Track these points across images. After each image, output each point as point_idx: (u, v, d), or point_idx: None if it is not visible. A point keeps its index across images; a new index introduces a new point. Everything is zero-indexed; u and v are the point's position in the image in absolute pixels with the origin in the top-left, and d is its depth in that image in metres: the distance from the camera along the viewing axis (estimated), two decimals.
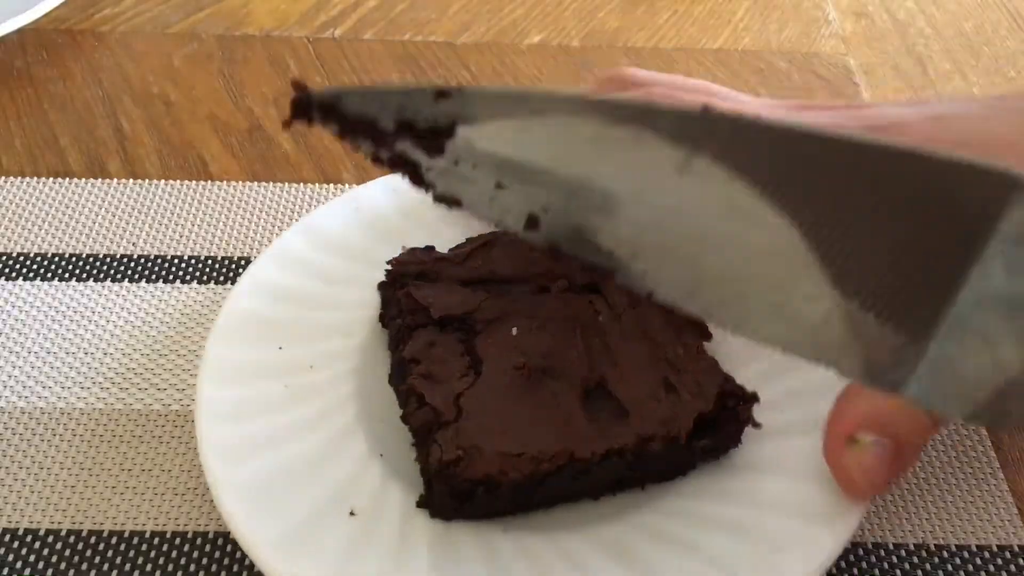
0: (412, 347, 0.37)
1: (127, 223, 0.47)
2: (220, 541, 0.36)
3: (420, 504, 0.35)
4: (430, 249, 0.40)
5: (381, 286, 0.40)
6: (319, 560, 0.32)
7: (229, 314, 0.39)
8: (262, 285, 0.40)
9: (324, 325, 0.40)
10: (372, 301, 0.41)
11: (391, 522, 0.34)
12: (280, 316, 0.40)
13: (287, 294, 0.40)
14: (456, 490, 0.33)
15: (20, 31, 0.56)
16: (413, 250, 0.40)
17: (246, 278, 0.40)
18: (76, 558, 0.35)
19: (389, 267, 0.40)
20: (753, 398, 0.35)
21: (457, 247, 0.41)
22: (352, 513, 0.34)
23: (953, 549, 0.36)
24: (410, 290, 0.38)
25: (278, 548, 0.32)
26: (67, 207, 0.47)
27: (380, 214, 0.44)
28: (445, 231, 0.42)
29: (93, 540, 0.36)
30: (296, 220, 0.46)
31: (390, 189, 0.44)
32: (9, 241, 0.46)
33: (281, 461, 0.35)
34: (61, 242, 0.46)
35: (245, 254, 0.46)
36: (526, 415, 0.35)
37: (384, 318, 0.40)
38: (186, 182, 0.49)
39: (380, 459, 0.36)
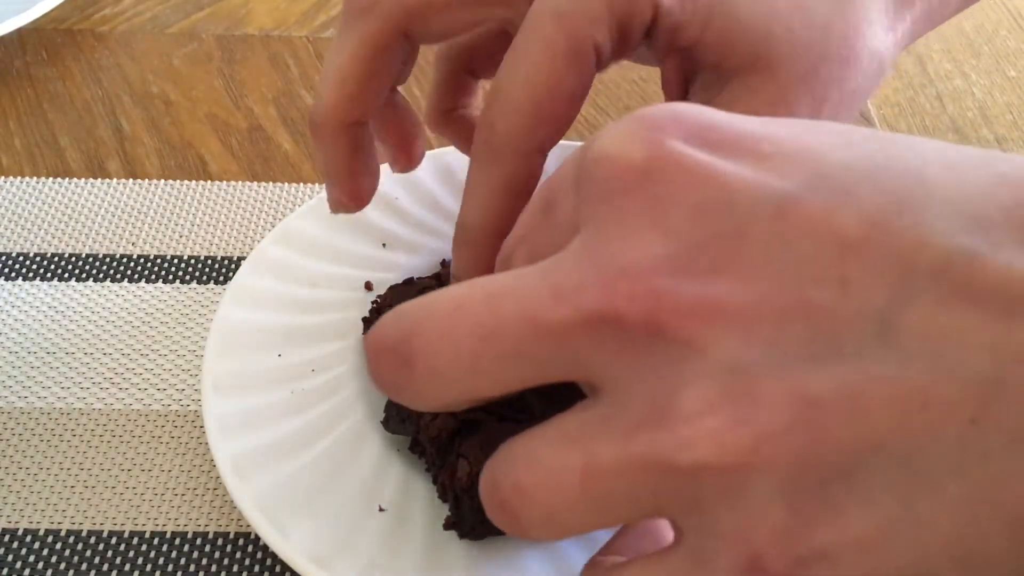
0: None
1: (127, 223, 0.47)
2: (220, 541, 0.36)
3: (447, 526, 0.34)
4: (410, 282, 0.40)
5: (366, 323, 0.40)
6: (356, 559, 0.33)
7: (222, 326, 0.39)
8: (250, 295, 0.40)
9: (317, 328, 0.40)
10: (359, 300, 0.41)
11: (423, 513, 0.35)
12: (273, 323, 0.40)
13: (276, 301, 0.40)
14: None
15: (20, 31, 0.56)
16: (394, 287, 0.40)
17: (232, 289, 0.40)
18: (75, 558, 0.35)
19: (375, 303, 0.40)
20: None
21: (432, 275, 0.41)
22: (381, 509, 0.34)
23: None
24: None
25: (315, 552, 0.32)
26: (67, 207, 0.47)
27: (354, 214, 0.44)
28: (420, 223, 0.43)
29: (92, 540, 0.36)
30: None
31: None
32: (9, 241, 0.46)
33: (302, 466, 0.35)
34: (61, 242, 0.46)
35: (245, 254, 0.46)
36: (541, 420, 0.35)
37: None
38: (186, 182, 0.49)
39: (399, 454, 0.36)
